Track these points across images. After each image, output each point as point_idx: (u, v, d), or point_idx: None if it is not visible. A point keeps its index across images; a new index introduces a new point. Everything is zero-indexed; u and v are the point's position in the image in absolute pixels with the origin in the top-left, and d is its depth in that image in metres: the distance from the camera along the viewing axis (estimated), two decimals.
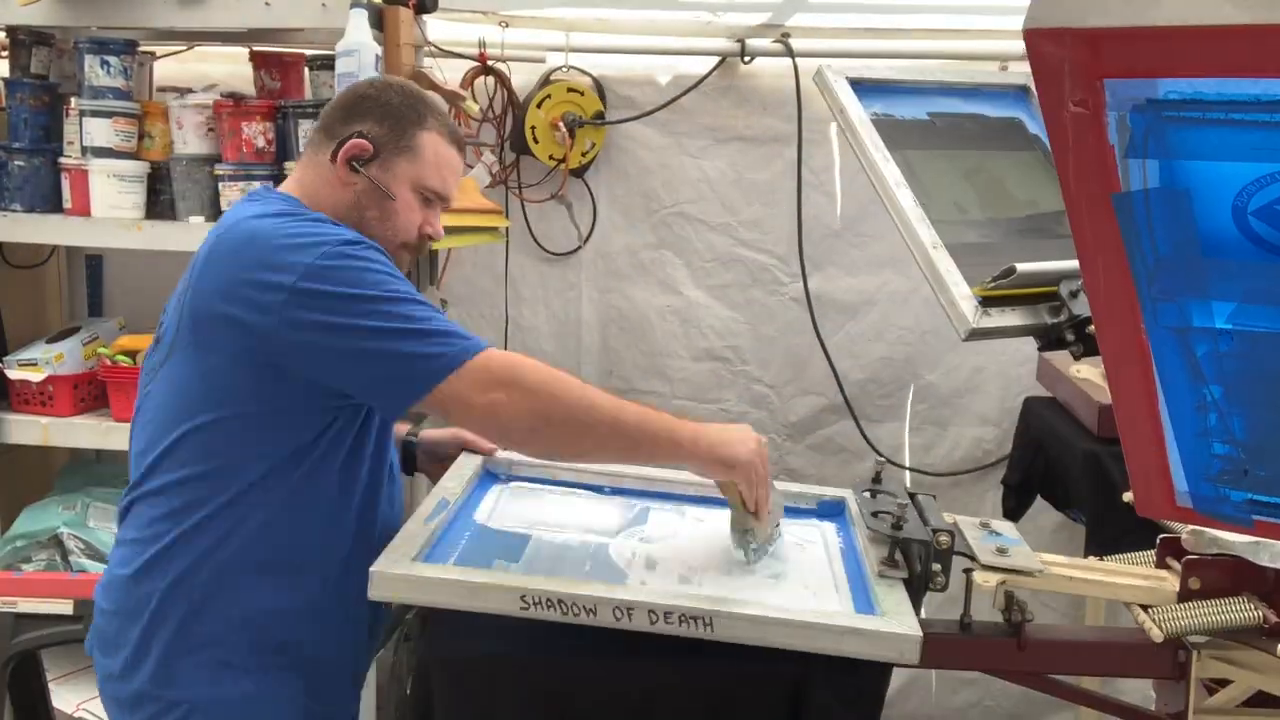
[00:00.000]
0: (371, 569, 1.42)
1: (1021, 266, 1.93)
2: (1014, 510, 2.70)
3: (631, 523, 1.74)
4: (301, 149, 2.36)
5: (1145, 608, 1.60)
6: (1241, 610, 1.54)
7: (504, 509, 1.75)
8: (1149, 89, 1.06)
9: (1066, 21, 1.03)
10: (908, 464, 3.04)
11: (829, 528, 1.80)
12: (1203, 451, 1.40)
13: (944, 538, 1.55)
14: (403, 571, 1.43)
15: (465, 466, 1.81)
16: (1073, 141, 1.13)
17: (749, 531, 1.57)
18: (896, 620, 1.41)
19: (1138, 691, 2.54)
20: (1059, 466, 2.54)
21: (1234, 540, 1.60)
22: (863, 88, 2.26)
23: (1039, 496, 2.68)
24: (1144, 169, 1.13)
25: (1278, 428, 1.37)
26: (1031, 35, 1.05)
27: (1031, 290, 2.00)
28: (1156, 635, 1.54)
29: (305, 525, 1.51)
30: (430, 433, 1.91)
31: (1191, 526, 1.62)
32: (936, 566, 1.54)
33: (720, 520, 1.66)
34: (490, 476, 1.86)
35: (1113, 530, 2.15)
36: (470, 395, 1.41)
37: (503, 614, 1.38)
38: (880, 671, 1.45)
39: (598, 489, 1.85)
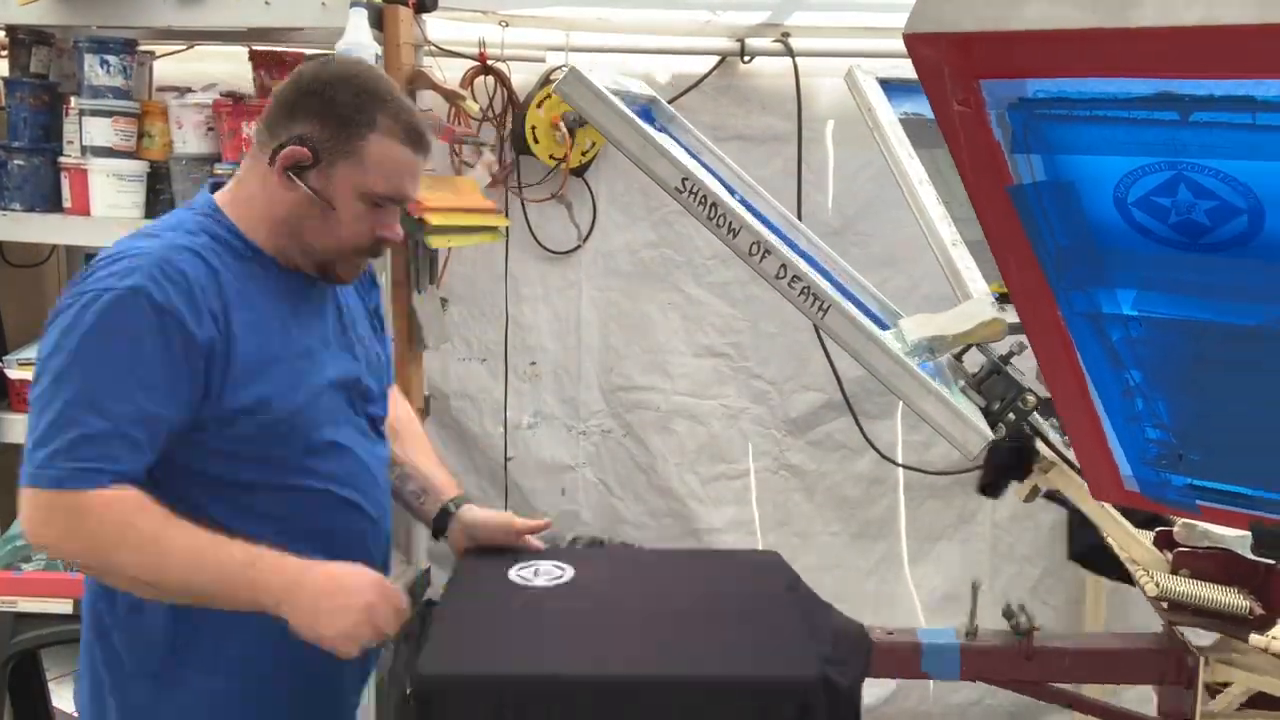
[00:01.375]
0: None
1: None
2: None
3: None
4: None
5: (1147, 571, 1.62)
6: (1231, 596, 1.55)
7: None
8: (1019, 89, 1.11)
9: (941, 26, 1.07)
10: (900, 459, 3.04)
11: None
12: (1137, 436, 1.44)
13: (1031, 397, 1.61)
14: None
15: None
16: (963, 139, 1.18)
17: None
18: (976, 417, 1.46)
19: (1138, 693, 2.55)
20: None
21: (1225, 534, 1.61)
22: (892, 87, 2.27)
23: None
24: (1029, 163, 1.18)
25: (1201, 412, 1.39)
26: (910, 40, 1.10)
27: None
28: (1151, 590, 1.56)
29: None
30: (476, 514, 1.75)
31: (1184, 519, 1.64)
32: (1010, 412, 1.62)
33: None
34: None
35: None
36: (30, 520, 1.35)
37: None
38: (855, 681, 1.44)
39: None
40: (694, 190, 1.59)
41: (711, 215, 1.59)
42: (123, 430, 1.35)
